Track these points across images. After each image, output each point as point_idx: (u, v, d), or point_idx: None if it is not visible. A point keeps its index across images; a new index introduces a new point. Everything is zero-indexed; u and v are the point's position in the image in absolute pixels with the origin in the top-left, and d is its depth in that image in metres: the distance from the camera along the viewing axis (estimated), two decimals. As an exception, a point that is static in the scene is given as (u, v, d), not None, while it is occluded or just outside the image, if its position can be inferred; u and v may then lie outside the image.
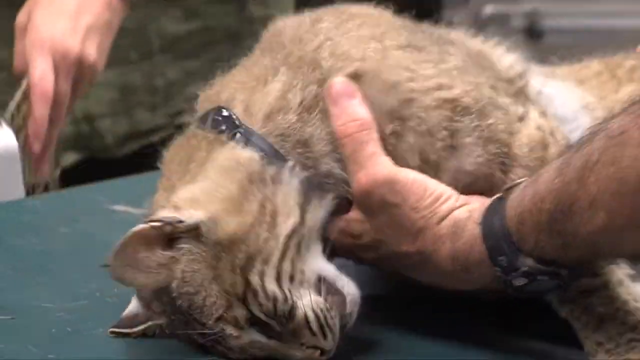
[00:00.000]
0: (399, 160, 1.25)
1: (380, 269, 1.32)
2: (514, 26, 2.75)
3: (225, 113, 1.25)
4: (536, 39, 2.72)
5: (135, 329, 1.27)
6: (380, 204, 1.24)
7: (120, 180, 1.59)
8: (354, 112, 1.24)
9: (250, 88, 1.27)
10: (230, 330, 1.20)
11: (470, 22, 2.82)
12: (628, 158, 1.11)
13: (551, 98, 1.34)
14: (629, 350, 1.22)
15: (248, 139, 1.23)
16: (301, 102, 1.25)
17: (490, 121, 1.28)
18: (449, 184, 1.25)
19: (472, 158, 1.28)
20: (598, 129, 1.15)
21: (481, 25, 2.78)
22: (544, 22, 2.73)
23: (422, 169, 1.25)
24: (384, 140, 1.25)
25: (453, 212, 1.23)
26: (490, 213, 1.21)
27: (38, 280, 1.35)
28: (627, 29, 2.69)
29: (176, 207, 1.20)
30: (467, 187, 1.26)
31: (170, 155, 1.28)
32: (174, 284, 1.19)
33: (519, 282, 1.20)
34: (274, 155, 1.23)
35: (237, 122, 1.24)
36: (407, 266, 1.25)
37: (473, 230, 1.21)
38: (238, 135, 1.24)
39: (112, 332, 1.27)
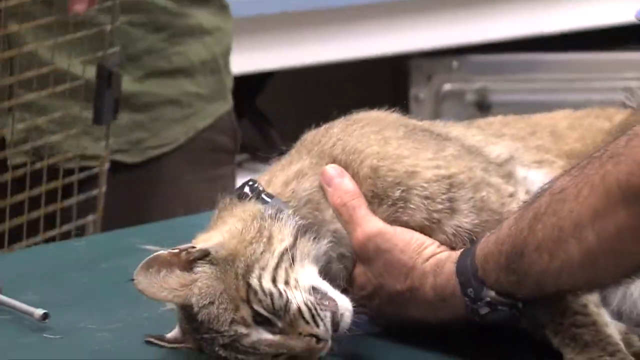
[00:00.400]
0: (407, 217, 1.34)
1: (382, 319, 1.37)
2: (467, 100, 2.80)
3: (251, 183, 1.36)
4: (485, 111, 2.76)
5: (167, 344, 1.33)
6: (375, 252, 1.31)
7: (151, 225, 1.63)
8: (345, 186, 1.33)
9: (277, 171, 1.38)
10: (241, 329, 1.27)
11: (432, 97, 2.88)
12: (566, 210, 1.18)
13: (534, 182, 1.38)
14: None
15: (260, 196, 1.35)
16: (314, 175, 1.37)
17: (483, 194, 1.35)
18: (452, 236, 1.32)
19: (469, 219, 1.33)
20: (547, 187, 1.22)
21: (441, 100, 2.83)
22: (492, 96, 2.79)
23: (427, 225, 1.33)
24: (394, 204, 1.34)
25: (435, 254, 1.30)
26: (463, 255, 1.28)
27: (83, 306, 1.39)
28: (564, 103, 2.77)
29: (200, 241, 1.31)
30: (467, 239, 1.32)
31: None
32: (193, 300, 1.27)
33: (484, 310, 1.26)
34: (278, 204, 1.33)
35: (259, 188, 1.36)
36: (400, 305, 1.31)
37: (450, 267, 1.28)
38: (255, 196, 1.35)
39: (147, 340, 1.32)
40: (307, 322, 1.27)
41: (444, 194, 1.35)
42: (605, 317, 1.31)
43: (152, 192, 1.76)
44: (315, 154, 1.39)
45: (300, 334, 1.28)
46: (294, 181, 1.37)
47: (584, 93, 2.83)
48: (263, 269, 1.30)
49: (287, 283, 1.30)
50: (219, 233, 1.33)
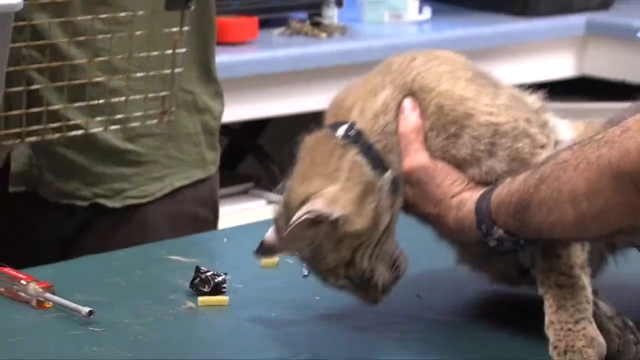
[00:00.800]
0: (455, 151, 1.32)
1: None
2: None
3: (356, 127, 1.31)
4: None
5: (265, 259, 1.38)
6: (416, 182, 1.32)
7: (175, 240, 1.62)
8: (411, 120, 1.32)
9: (365, 98, 1.33)
10: (332, 278, 1.28)
11: None
12: (565, 178, 1.20)
13: (560, 129, 1.37)
14: (564, 337, 1.25)
15: (368, 153, 1.30)
16: (396, 109, 1.33)
17: (519, 145, 1.33)
18: (485, 174, 1.32)
19: (501, 165, 1.32)
20: (553, 156, 1.25)
21: None
22: None
23: (468, 160, 1.32)
24: (447, 138, 1.33)
25: (462, 192, 1.32)
26: (481, 198, 1.29)
27: (121, 305, 1.38)
28: None
29: (327, 202, 1.25)
30: (494, 179, 1.32)
31: (304, 153, 1.32)
32: (311, 247, 1.27)
33: (492, 243, 1.29)
34: (380, 166, 1.30)
35: (363, 138, 1.31)
36: (429, 221, 1.34)
37: (470, 206, 1.30)
38: (362, 148, 1.30)
39: (256, 254, 1.35)
40: (377, 291, 1.30)
41: (488, 138, 1.33)
42: (584, 279, 1.29)
43: (131, 234, 1.69)
44: (398, 85, 1.34)
45: (368, 293, 1.30)
46: (382, 115, 1.33)
47: None
48: (367, 247, 1.28)
49: (377, 257, 1.29)
50: (342, 195, 1.28)
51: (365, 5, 2.95)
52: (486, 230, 1.29)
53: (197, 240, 1.61)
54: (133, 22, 1.55)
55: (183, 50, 1.54)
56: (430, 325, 1.37)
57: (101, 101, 1.54)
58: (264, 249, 1.35)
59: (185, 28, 1.52)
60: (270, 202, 2.92)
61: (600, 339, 1.27)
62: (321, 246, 1.28)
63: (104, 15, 1.58)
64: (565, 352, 1.26)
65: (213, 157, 1.79)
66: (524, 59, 2.88)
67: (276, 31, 2.84)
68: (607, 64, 2.87)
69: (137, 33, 1.55)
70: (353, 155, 1.30)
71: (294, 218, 1.25)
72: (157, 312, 1.38)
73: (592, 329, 1.27)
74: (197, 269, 1.42)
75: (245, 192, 3.04)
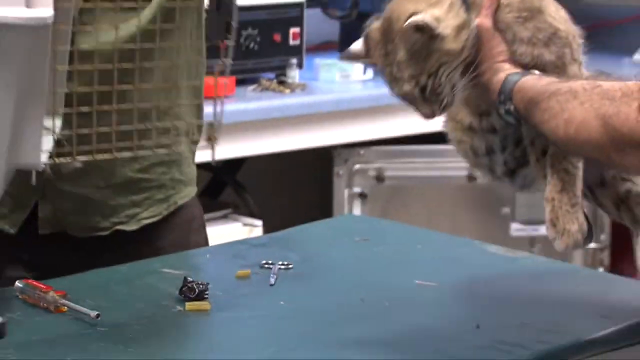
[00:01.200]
0: (522, 30, 1.30)
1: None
2: (369, 175, 2.81)
3: None
4: (381, 182, 2.79)
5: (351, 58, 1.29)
6: (478, 37, 1.29)
7: (168, 256, 1.58)
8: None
9: None
10: (408, 86, 1.24)
11: (347, 173, 2.86)
12: (571, 104, 1.22)
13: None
14: (562, 217, 1.26)
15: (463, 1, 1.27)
16: None
17: (565, 50, 1.32)
18: (536, 57, 1.30)
19: (550, 56, 1.31)
20: (566, 81, 1.26)
21: (353, 174, 2.83)
22: (385, 173, 2.79)
23: (528, 41, 1.30)
24: (523, 20, 1.30)
25: (503, 62, 1.29)
26: (512, 74, 1.28)
27: (123, 309, 1.37)
28: (437, 177, 2.79)
29: (434, 19, 1.23)
30: (538, 66, 1.30)
31: None
32: (409, 51, 1.22)
33: (502, 111, 1.28)
34: (469, 13, 1.27)
35: None
36: (480, 76, 1.29)
37: (502, 76, 1.28)
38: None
39: (342, 58, 1.33)
40: (440, 110, 1.28)
41: (547, 33, 1.31)
42: (580, 172, 1.29)
43: (148, 251, 1.62)
44: None
45: (431, 106, 1.27)
46: None
47: (450, 171, 2.79)
48: (449, 66, 1.26)
49: (451, 79, 1.26)
50: (445, 17, 1.25)
51: (321, 67, 3.00)
52: (502, 99, 1.28)
53: (185, 256, 1.60)
54: (179, 52, 1.48)
55: (226, 79, 1.44)
56: (378, 324, 1.36)
57: (149, 126, 1.41)
58: (349, 56, 1.31)
59: (229, 59, 1.42)
60: (245, 224, 2.93)
61: (585, 225, 1.28)
62: (417, 52, 1.23)
63: (149, 45, 1.41)
64: (561, 233, 1.26)
65: (195, 172, 1.73)
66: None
67: (250, 88, 2.87)
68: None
69: (181, 62, 1.47)
70: None
71: (409, 21, 1.22)
72: (152, 315, 1.37)
73: (582, 216, 1.27)
74: (185, 279, 1.41)
75: (225, 217, 3.05)
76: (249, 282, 1.49)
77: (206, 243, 1.72)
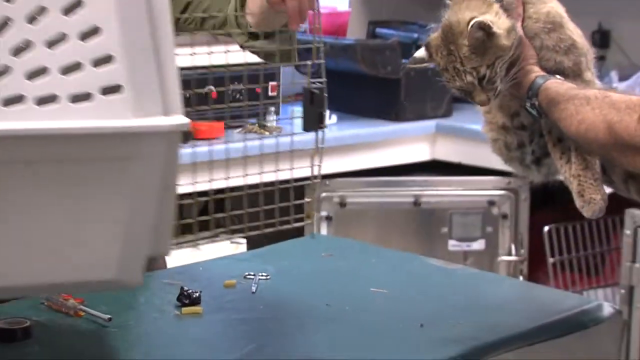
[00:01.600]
0: (548, 39, 1.31)
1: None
2: (334, 201, 2.74)
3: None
4: (344, 207, 2.74)
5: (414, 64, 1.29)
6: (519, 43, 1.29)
7: (167, 270, 1.56)
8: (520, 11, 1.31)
9: None
10: (469, 76, 1.24)
11: (315, 201, 2.75)
12: (584, 109, 1.23)
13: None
14: (587, 189, 1.28)
15: (505, 10, 1.27)
16: None
17: (582, 59, 1.33)
18: (557, 63, 1.31)
19: (568, 63, 1.31)
20: (583, 88, 1.27)
21: (321, 201, 2.76)
22: (347, 200, 2.73)
23: (553, 48, 1.31)
24: (549, 30, 1.31)
25: (533, 65, 1.29)
26: (541, 76, 1.28)
27: (130, 313, 1.34)
28: (395, 203, 2.72)
29: (490, 21, 1.23)
30: (559, 71, 1.31)
31: (458, 2, 1.27)
32: (471, 48, 1.24)
33: (527, 104, 1.28)
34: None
35: (502, 1, 1.27)
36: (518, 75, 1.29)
37: (532, 77, 1.28)
38: (501, 5, 1.27)
39: (408, 64, 1.32)
40: (481, 90, 1.27)
41: (567, 44, 1.32)
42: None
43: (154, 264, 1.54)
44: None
45: (487, 94, 1.27)
46: None
47: (399, 198, 2.77)
48: (503, 59, 1.26)
49: (504, 70, 1.26)
50: (497, 21, 1.25)
51: (294, 113, 2.99)
52: (530, 95, 1.28)
53: (182, 269, 1.57)
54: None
55: (319, 164, 1.38)
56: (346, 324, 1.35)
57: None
58: (414, 61, 1.31)
59: (322, 146, 1.37)
60: (232, 242, 2.90)
61: (606, 195, 1.29)
62: (478, 48, 1.24)
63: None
64: (588, 202, 1.27)
65: None
66: (396, 148, 2.87)
67: (236, 131, 2.85)
68: (450, 151, 2.91)
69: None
70: (497, 7, 1.28)
71: (474, 21, 1.23)
72: (154, 318, 1.36)
73: (603, 188, 1.29)
74: (181, 288, 1.40)
75: (216, 236, 3.02)
76: (235, 290, 1.47)
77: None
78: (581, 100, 1.25)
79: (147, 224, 0.97)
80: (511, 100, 1.34)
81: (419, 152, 2.91)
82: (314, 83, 1.31)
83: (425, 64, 1.29)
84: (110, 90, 0.91)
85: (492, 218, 2.72)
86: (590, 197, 1.28)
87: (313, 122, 1.35)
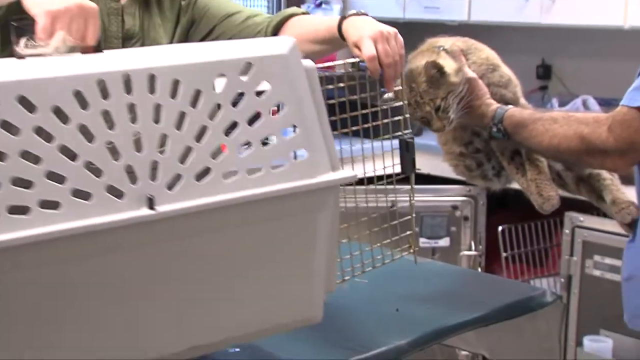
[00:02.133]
0: (491, 77, 1.34)
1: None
2: None
3: (444, 47, 1.31)
4: None
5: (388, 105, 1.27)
6: (467, 82, 1.31)
7: None
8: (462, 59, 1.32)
9: (445, 41, 1.34)
10: (427, 107, 1.27)
11: None
12: (553, 127, 1.24)
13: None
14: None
15: (452, 57, 1.30)
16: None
17: (517, 89, 1.37)
18: (503, 95, 1.35)
19: (509, 95, 1.35)
20: (547, 111, 1.28)
21: None
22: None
23: (497, 84, 1.34)
24: (487, 69, 1.34)
25: (489, 99, 1.32)
26: (500, 110, 1.30)
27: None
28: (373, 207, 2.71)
29: (440, 62, 1.26)
30: (504, 101, 1.34)
31: (415, 54, 1.31)
32: (427, 83, 1.26)
33: (494, 130, 1.30)
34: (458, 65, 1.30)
35: (448, 50, 1.30)
36: (472, 111, 1.30)
37: (495, 108, 1.30)
38: (448, 53, 1.30)
39: (381, 104, 1.28)
40: (438, 120, 1.28)
41: (505, 80, 1.36)
42: (546, 162, 1.33)
43: None
44: (462, 41, 1.36)
45: (440, 122, 1.28)
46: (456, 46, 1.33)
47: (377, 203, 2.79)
48: (454, 94, 1.27)
49: (454, 104, 1.28)
50: (445, 63, 1.28)
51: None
52: (495, 122, 1.30)
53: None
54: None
55: (413, 201, 1.37)
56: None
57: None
58: (385, 100, 1.30)
59: (415, 186, 1.36)
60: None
61: (558, 192, 1.33)
62: (433, 84, 1.26)
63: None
64: (547, 199, 1.29)
65: None
66: (376, 161, 2.89)
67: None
68: (420, 164, 2.85)
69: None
70: (444, 54, 1.31)
71: (427, 62, 1.27)
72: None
73: (555, 187, 1.31)
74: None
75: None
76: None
77: None
78: (548, 120, 1.26)
79: (324, 264, 0.98)
80: (463, 132, 1.38)
81: (396, 165, 2.90)
82: (406, 134, 1.32)
83: (392, 102, 1.30)
84: (296, 155, 0.95)
85: (456, 220, 2.73)
86: (548, 194, 1.32)
87: (409, 167, 1.37)
